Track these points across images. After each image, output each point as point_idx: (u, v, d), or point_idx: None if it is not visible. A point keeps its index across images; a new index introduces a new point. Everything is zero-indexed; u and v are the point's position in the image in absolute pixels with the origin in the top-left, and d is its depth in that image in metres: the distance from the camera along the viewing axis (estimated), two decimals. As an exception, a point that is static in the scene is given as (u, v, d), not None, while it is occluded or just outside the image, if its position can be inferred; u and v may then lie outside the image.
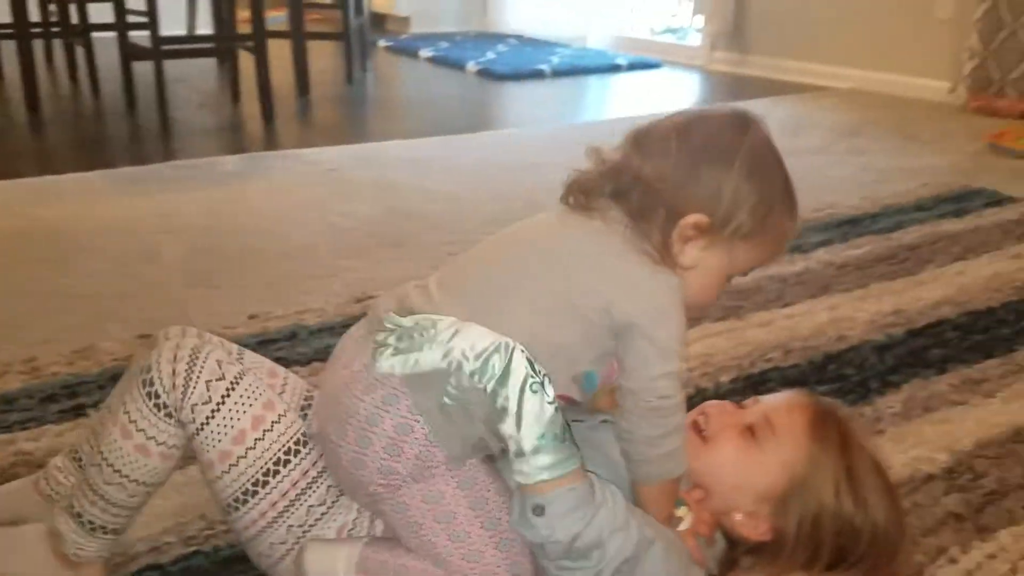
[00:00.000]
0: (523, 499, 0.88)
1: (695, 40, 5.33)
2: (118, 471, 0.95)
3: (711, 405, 1.07)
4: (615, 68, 4.98)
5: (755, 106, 4.16)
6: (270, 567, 1.00)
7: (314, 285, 1.92)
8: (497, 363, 0.85)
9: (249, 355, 1.10)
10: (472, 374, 0.85)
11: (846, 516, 0.96)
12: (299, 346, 1.62)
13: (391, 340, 0.88)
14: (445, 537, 0.91)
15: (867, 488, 0.98)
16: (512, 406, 0.84)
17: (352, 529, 0.99)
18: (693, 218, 0.90)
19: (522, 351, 0.86)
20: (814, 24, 4.45)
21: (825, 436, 1.00)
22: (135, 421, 0.94)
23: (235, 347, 1.10)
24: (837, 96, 4.16)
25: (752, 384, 1.50)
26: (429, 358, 0.86)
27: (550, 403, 0.85)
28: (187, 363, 0.93)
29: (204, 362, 0.93)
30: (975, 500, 1.22)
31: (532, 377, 0.85)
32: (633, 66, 5.02)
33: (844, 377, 1.53)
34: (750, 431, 1.01)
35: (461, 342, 0.86)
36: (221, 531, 1.12)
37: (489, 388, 0.85)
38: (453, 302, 0.91)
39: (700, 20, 5.12)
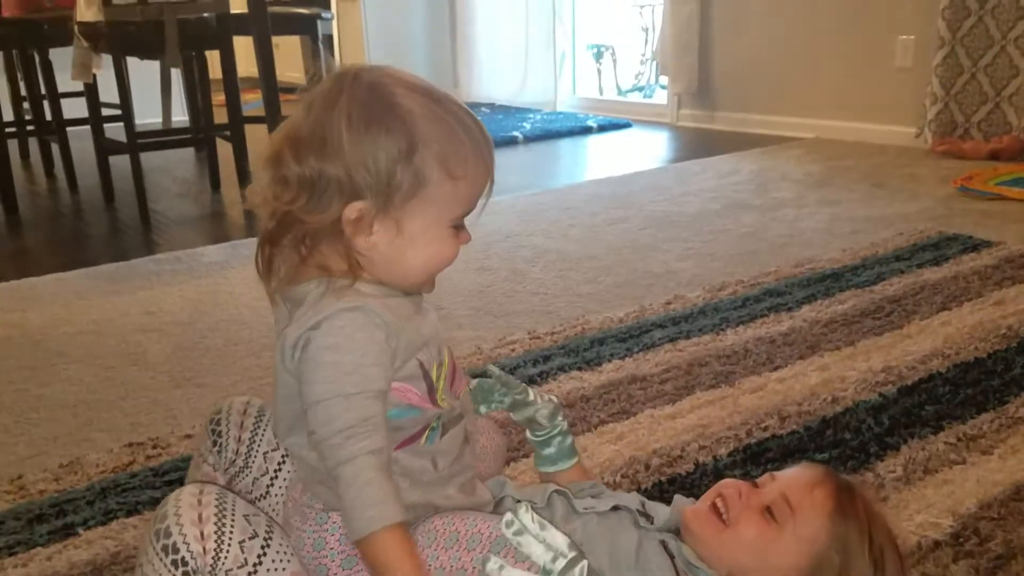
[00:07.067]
0: None
1: (661, 97, 5.43)
2: None
3: (726, 486, 1.06)
4: (587, 130, 5.06)
5: (725, 161, 4.16)
6: None
7: (302, 377, 1.90)
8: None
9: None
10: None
11: None
12: (291, 444, 1.59)
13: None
14: None
15: (888, 570, 0.99)
16: None
17: None
18: (351, 213, 0.84)
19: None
20: (776, 78, 4.55)
21: (846, 514, 1.01)
22: None
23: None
24: (803, 146, 4.22)
25: (752, 456, 1.49)
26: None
27: None
28: (215, 524, 0.85)
29: (233, 519, 0.86)
30: (984, 566, 1.20)
31: None
32: (603, 127, 5.10)
33: (843, 442, 1.53)
34: (769, 512, 1.02)
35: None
36: None
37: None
38: None
39: (665, 79, 5.23)
